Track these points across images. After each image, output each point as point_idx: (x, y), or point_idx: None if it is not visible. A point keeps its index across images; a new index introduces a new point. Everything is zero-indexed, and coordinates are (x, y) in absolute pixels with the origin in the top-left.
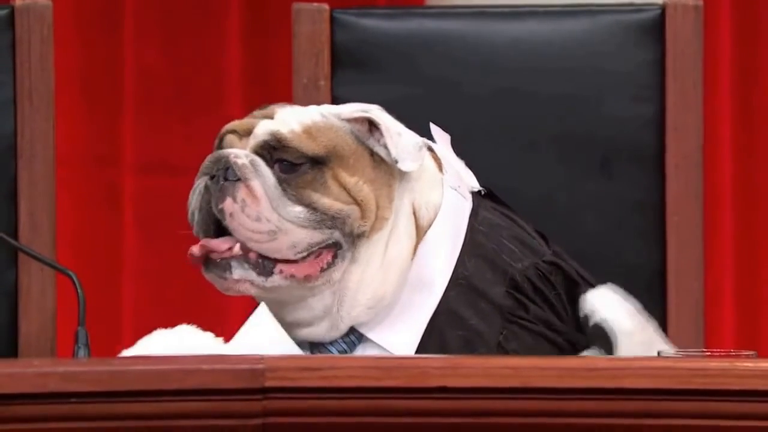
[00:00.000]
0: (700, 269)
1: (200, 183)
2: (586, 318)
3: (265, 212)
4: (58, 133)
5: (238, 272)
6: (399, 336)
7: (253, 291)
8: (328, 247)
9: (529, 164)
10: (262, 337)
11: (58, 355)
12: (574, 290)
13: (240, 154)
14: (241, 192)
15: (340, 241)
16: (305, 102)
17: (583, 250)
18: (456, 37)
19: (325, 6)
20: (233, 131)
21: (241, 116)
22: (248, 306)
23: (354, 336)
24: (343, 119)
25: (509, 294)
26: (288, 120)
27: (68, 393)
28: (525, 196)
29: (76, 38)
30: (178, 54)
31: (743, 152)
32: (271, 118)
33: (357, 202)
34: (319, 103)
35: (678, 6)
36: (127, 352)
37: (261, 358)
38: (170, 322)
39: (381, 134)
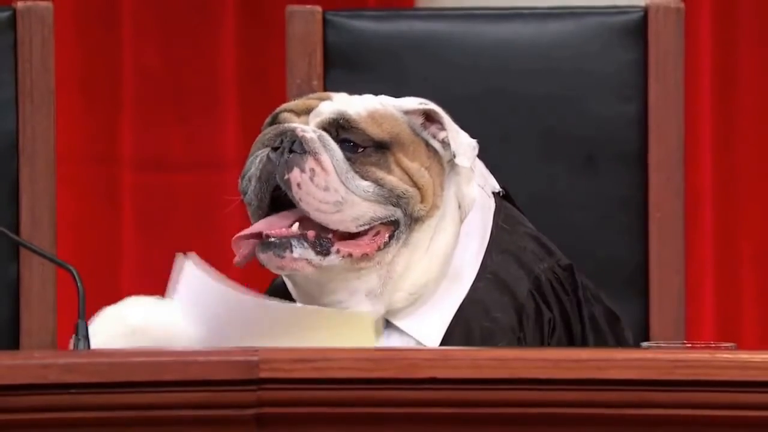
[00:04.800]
0: (681, 264)
1: (261, 153)
2: None
3: (333, 183)
4: (58, 131)
5: (298, 251)
6: (427, 325)
7: (308, 270)
8: (386, 225)
9: (516, 162)
10: (199, 289)
11: (58, 348)
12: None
13: (307, 128)
14: (310, 163)
15: (400, 220)
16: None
17: (568, 245)
18: (444, 39)
19: (318, 8)
20: (289, 110)
21: (236, 114)
22: None
23: (380, 323)
24: (401, 110)
25: (531, 294)
26: (353, 103)
27: (68, 384)
28: (512, 193)
29: (75, 38)
30: (176, 54)
31: (723, 150)
32: (327, 98)
33: (418, 186)
34: None
35: (660, 8)
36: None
37: (256, 350)
38: None
39: (438, 128)
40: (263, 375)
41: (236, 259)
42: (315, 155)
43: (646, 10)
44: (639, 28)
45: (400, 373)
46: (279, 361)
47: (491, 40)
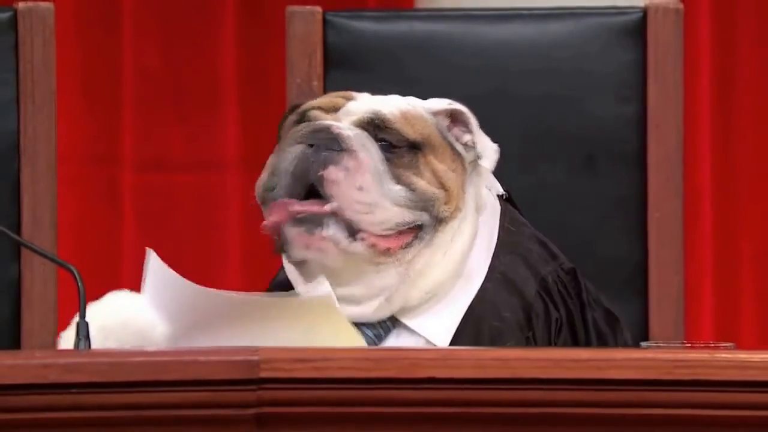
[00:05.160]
0: (680, 263)
1: (294, 149)
2: None
3: (368, 184)
4: (59, 131)
5: (330, 230)
6: (437, 324)
7: (332, 252)
8: (411, 228)
9: (515, 162)
10: (165, 285)
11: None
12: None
13: (343, 126)
14: (347, 161)
15: (425, 223)
16: (299, 100)
17: (567, 245)
18: (444, 39)
19: (318, 8)
20: (317, 107)
21: (236, 115)
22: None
23: (389, 321)
24: (430, 111)
25: (539, 294)
26: (385, 103)
27: (69, 384)
28: (512, 193)
29: (76, 39)
30: (176, 54)
31: (722, 150)
32: (352, 98)
33: (445, 188)
34: None
35: (659, 9)
36: (65, 334)
37: (256, 350)
38: None
39: (462, 129)
40: (263, 375)
41: (265, 222)
42: (352, 153)
43: (645, 11)
44: (638, 28)
45: (400, 372)
46: (279, 361)
47: (491, 41)
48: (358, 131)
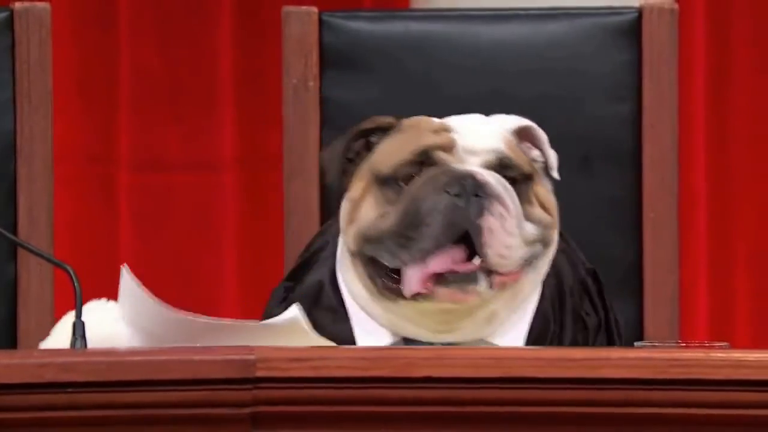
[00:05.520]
0: (675, 263)
1: (442, 198)
2: None
3: (513, 227)
4: (56, 131)
5: (482, 285)
6: (516, 336)
7: (475, 302)
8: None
9: None
10: (134, 300)
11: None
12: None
13: (483, 173)
14: (497, 208)
15: (538, 252)
16: (295, 100)
17: None
18: (440, 39)
19: (314, 9)
20: (438, 148)
21: (233, 115)
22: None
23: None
24: (511, 131)
25: (581, 290)
26: (491, 135)
27: (65, 383)
28: None
29: (72, 39)
30: (172, 55)
31: (717, 150)
32: (450, 129)
33: (550, 213)
34: (307, 102)
35: (654, 9)
36: (45, 342)
37: (252, 349)
38: None
39: (529, 146)
40: (260, 374)
41: (406, 291)
42: (500, 199)
43: (640, 11)
44: (633, 28)
45: (396, 371)
46: (275, 360)
47: (487, 41)
48: (496, 175)
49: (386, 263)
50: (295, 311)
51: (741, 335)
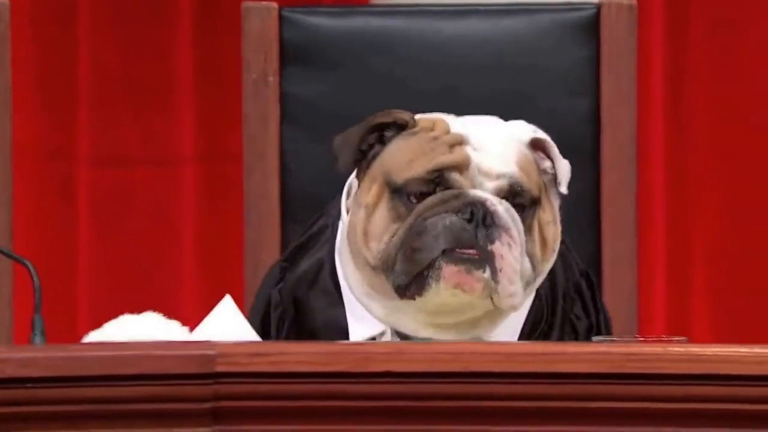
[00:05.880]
0: (634, 259)
1: (443, 219)
2: None
3: (519, 257)
4: (14, 127)
5: (487, 272)
6: (506, 334)
7: (475, 288)
8: None
9: None
10: (225, 327)
11: (14, 342)
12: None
13: (494, 201)
14: (505, 237)
15: (532, 280)
16: (255, 95)
17: None
18: (399, 35)
19: (274, 4)
20: (453, 167)
21: (192, 111)
22: (199, 296)
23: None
24: (525, 144)
25: (575, 293)
26: (505, 154)
27: (25, 378)
28: None
29: (31, 35)
30: (132, 50)
31: (675, 146)
32: (465, 141)
33: (545, 242)
34: (267, 98)
35: (613, 5)
36: (93, 335)
37: (212, 344)
38: (124, 311)
39: (541, 156)
40: (220, 369)
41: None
42: (507, 231)
43: (599, 8)
44: (592, 24)
45: (355, 366)
46: (235, 355)
47: (446, 37)
48: (505, 204)
49: (398, 283)
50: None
51: (699, 330)
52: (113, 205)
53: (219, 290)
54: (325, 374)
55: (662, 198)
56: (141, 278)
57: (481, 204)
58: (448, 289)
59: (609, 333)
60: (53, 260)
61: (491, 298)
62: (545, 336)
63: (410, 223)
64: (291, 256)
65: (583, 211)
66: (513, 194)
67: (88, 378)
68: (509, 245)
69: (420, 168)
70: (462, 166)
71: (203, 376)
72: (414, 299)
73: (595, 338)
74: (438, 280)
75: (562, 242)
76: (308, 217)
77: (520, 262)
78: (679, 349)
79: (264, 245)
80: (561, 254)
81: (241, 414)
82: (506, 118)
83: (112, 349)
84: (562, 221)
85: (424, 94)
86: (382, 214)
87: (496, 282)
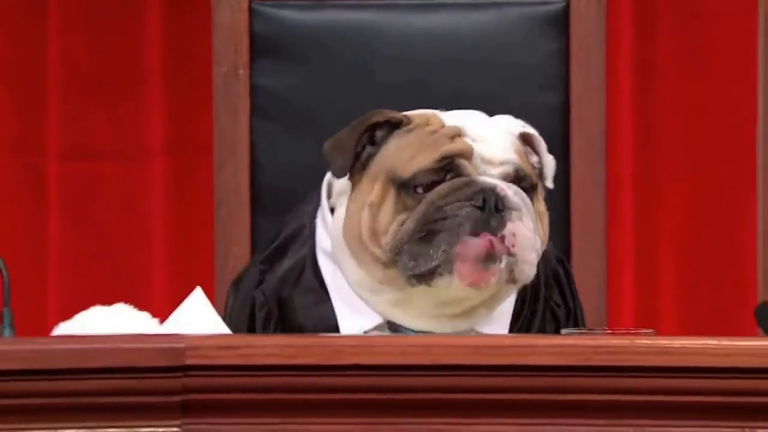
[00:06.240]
0: (602, 251)
1: (464, 209)
2: None
3: (533, 232)
4: None
5: (503, 264)
6: (497, 324)
7: (492, 283)
8: None
9: None
10: (196, 319)
11: None
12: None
13: (504, 186)
14: (516, 215)
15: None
16: (225, 88)
17: None
18: (369, 28)
19: None
20: (459, 156)
21: (162, 103)
22: (170, 289)
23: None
24: (516, 136)
25: (554, 279)
26: (503, 143)
27: None
28: None
29: (0, 27)
30: (101, 43)
31: (643, 140)
32: (459, 134)
33: (544, 229)
34: (237, 90)
35: None
36: (63, 325)
37: (181, 337)
38: (94, 304)
39: (529, 151)
40: (189, 362)
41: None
42: (518, 210)
43: (567, 1)
44: (561, 18)
45: (324, 359)
46: (205, 348)
47: (415, 30)
48: (514, 188)
49: (409, 272)
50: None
51: (666, 323)
52: (83, 198)
53: (189, 283)
54: (295, 367)
55: (631, 191)
56: (111, 271)
57: (491, 190)
58: (462, 287)
59: (584, 321)
60: (22, 253)
61: (512, 272)
62: (528, 323)
63: (423, 210)
64: (269, 258)
65: (553, 204)
66: (518, 179)
67: (56, 371)
68: (521, 220)
69: (426, 159)
70: (467, 155)
71: (172, 369)
72: (426, 285)
73: (564, 330)
74: (451, 273)
75: None
76: (278, 211)
77: (534, 235)
78: (646, 341)
79: (234, 238)
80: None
81: (210, 407)
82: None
83: (81, 343)
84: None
85: (393, 87)
86: (388, 209)
87: (513, 256)
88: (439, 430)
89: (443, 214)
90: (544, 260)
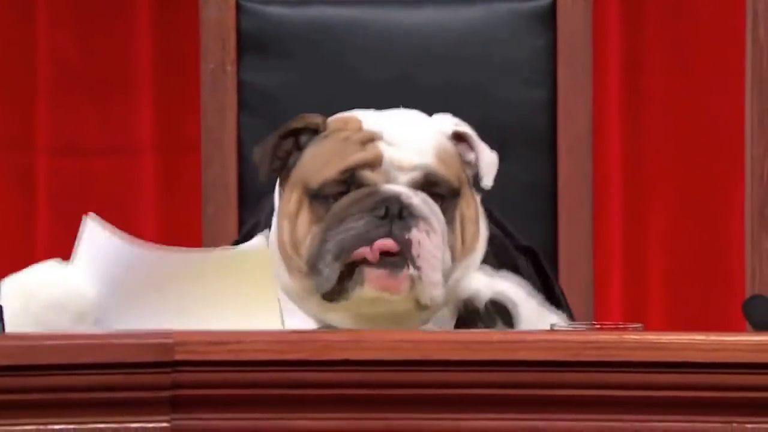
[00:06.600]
0: (590, 248)
1: (358, 219)
2: (473, 298)
3: (440, 246)
4: None
5: (411, 270)
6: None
7: (403, 287)
8: None
9: None
10: (99, 247)
11: None
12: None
13: (409, 193)
14: (423, 226)
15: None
16: (213, 84)
17: None
18: (356, 25)
19: None
20: (362, 165)
21: (151, 99)
22: None
23: None
24: (447, 135)
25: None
26: (421, 146)
27: None
28: None
29: None
30: (90, 39)
31: (630, 136)
32: (378, 137)
33: (463, 240)
34: (225, 87)
35: None
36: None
37: (170, 333)
38: None
39: (465, 147)
40: (178, 357)
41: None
42: (426, 221)
43: None
44: (548, 14)
45: (314, 355)
46: (194, 344)
47: (402, 27)
48: (422, 195)
49: (323, 290)
50: (263, 241)
51: (654, 318)
52: (72, 194)
53: None
54: (284, 362)
55: (618, 187)
56: None
57: (395, 198)
58: (374, 291)
59: (567, 305)
60: (11, 249)
61: (415, 292)
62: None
63: (326, 225)
64: None
65: (540, 200)
66: (429, 184)
67: (45, 367)
68: (427, 232)
69: (333, 170)
70: (374, 163)
71: (161, 364)
72: (340, 302)
73: (552, 326)
74: (362, 284)
75: (497, 225)
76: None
77: (441, 251)
78: (635, 336)
79: (221, 235)
80: (492, 243)
81: (199, 402)
82: (463, 109)
83: (71, 338)
84: (519, 210)
85: (380, 83)
86: (303, 219)
87: (418, 269)
88: (428, 425)
89: (344, 227)
90: (498, 260)
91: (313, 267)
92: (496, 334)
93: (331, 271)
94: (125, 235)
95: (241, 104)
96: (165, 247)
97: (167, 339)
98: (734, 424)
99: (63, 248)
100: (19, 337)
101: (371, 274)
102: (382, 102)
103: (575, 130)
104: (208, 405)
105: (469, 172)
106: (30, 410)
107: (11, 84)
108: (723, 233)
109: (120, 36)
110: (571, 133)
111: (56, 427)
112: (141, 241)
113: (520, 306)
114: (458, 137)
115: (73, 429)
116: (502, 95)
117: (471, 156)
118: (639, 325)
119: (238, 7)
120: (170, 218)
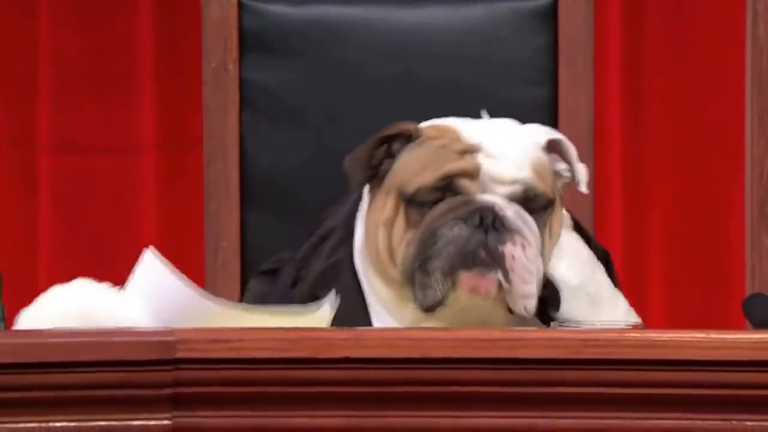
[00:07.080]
0: None
1: (459, 230)
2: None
3: (535, 258)
4: None
5: (500, 274)
6: None
7: (491, 290)
8: None
9: None
10: (157, 282)
11: None
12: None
13: (503, 204)
14: (517, 238)
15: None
16: (215, 83)
17: None
18: (359, 23)
19: None
20: (462, 175)
21: (153, 98)
22: None
23: None
24: (541, 147)
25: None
26: (519, 159)
27: None
28: None
29: None
30: (92, 37)
31: (632, 135)
32: (477, 149)
33: (543, 256)
34: (227, 85)
35: None
36: (25, 314)
37: (172, 331)
38: None
39: (556, 158)
40: (180, 355)
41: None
42: (519, 232)
43: None
44: (549, 13)
45: (315, 352)
46: (195, 341)
47: (405, 25)
48: (516, 207)
49: (426, 304)
50: (328, 307)
51: (655, 316)
52: (73, 192)
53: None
54: (286, 360)
55: (619, 186)
56: (101, 265)
57: (489, 209)
58: (465, 293)
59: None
60: (13, 247)
61: (506, 300)
62: None
63: (422, 232)
64: (305, 257)
65: None
66: (527, 199)
67: (47, 364)
68: (522, 246)
69: (429, 176)
70: (472, 173)
71: (163, 362)
72: (436, 311)
73: (553, 324)
74: (455, 287)
75: (580, 233)
76: (268, 206)
77: (535, 263)
78: (635, 334)
79: (224, 233)
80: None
81: (201, 400)
82: (465, 108)
83: (73, 336)
84: None
85: (382, 82)
86: (400, 225)
87: (509, 282)
88: (430, 423)
89: (438, 236)
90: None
91: (410, 278)
92: (496, 332)
93: (439, 288)
94: (182, 275)
95: (243, 102)
96: (221, 299)
97: (169, 337)
98: (734, 422)
99: (65, 247)
100: (20, 335)
101: (463, 275)
102: (382, 99)
103: (576, 129)
104: (209, 402)
105: (559, 183)
106: (32, 408)
107: (13, 82)
108: (723, 232)
109: (122, 34)
110: (571, 132)
111: (58, 424)
112: (195, 285)
113: (565, 294)
114: (551, 147)
115: (75, 427)
116: (503, 94)
117: (561, 165)
118: (639, 322)
119: (240, 6)
120: (172, 216)
